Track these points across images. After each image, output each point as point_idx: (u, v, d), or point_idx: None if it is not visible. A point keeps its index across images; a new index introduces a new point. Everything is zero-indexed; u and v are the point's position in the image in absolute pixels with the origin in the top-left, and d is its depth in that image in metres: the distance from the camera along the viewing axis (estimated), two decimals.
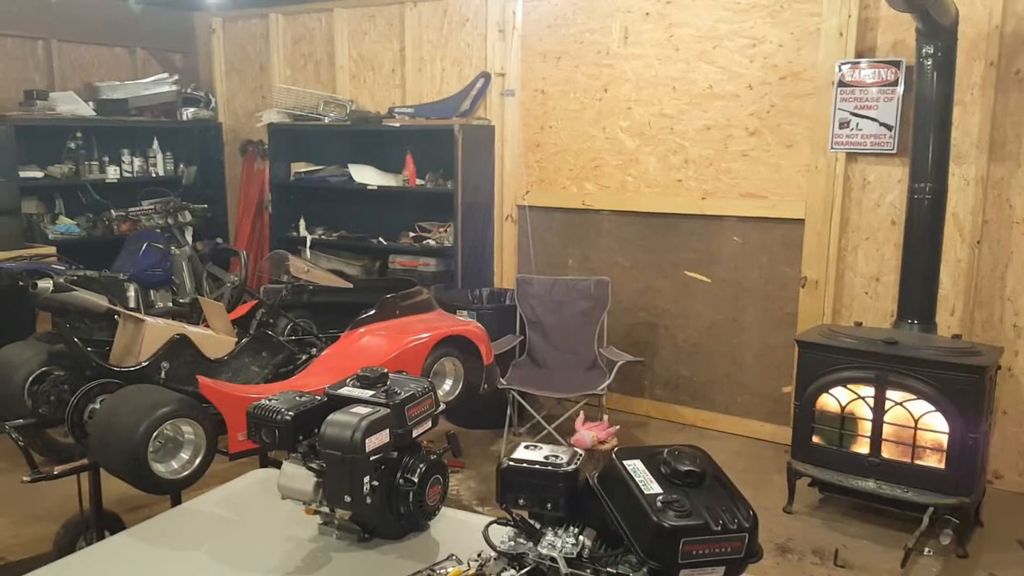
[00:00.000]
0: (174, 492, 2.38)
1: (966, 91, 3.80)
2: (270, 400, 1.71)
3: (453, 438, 1.89)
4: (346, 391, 1.77)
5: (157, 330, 2.67)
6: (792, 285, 4.40)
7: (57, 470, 2.50)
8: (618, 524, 1.29)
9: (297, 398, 1.73)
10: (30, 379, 2.60)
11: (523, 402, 4.25)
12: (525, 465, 1.39)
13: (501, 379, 4.04)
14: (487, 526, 1.40)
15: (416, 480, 1.73)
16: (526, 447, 1.45)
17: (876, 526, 3.55)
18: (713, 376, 4.74)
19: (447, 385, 3.20)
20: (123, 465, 2.30)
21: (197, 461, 2.40)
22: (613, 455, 1.35)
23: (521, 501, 1.38)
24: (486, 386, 3.30)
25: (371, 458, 1.63)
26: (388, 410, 1.69)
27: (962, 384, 3.26)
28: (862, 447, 3.53)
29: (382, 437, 1.66)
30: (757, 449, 4.42)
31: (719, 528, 1.21)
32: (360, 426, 1.62)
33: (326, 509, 1.70)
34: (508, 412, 4.27)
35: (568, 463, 1.39)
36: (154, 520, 1.84)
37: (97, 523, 2.66)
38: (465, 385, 3.17)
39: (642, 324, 4.87)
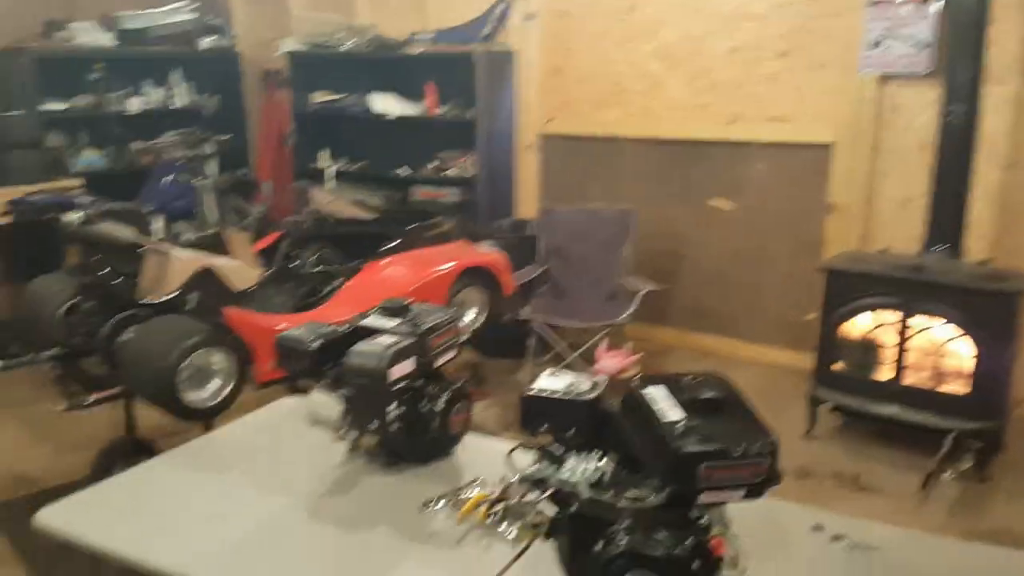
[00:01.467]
0: (205, 420, 2.45)
1: (1003, 8, 3.65)
2: (296, 330, 1.74)
3: (477, 367, 1.91)
4: (370, 321, 1.79)
5: (183, 262, 2.70)
6: (818, 211, 4.34)
7: (92, 399, 2.58)
8: (639, 450, 1.31)
9: (322, 328, 1.76)
10: (62, 310, 2.65)
11: (545, 332, 4.28)
12: (547, 394, 1.41)
13: (524, 309, 4.06)
14: (511, 451, 1.43)
15: (440, 408, 1.76)
16: (549, 375, 1.47)
17: (897, 451, 3.57)
18: (736, 304, 4.73)
19: (470, 315, 3.23)
20: (155, 393, 2.36)
21: (227, 390, 2.46)
22: (635, 382, 1.36)
23: (543, 428, 1.41)
24: (508, 316, 3.32)
25: (395, 387, 1.66)
26: (412, 340, 1.71)
27: (990, 309, 3.24)
28: (885, 373, 3.53)
29: (406, 366, 1.69)
30: (779, 377, 4.44)
31: (739, 453, 1.23)
32: (384, 356, 1.64)
33: (353, 435, 1.74)
34: (530, 342, 4.30)
35: (589, 391, 1.42)
36: (187, 446, 1.90)
37: (132, 449, 2.75)
38: (488, 315, 3.19)
39: (665, 253, 4.85)
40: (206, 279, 2.75)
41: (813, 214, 4.35)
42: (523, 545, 1.45)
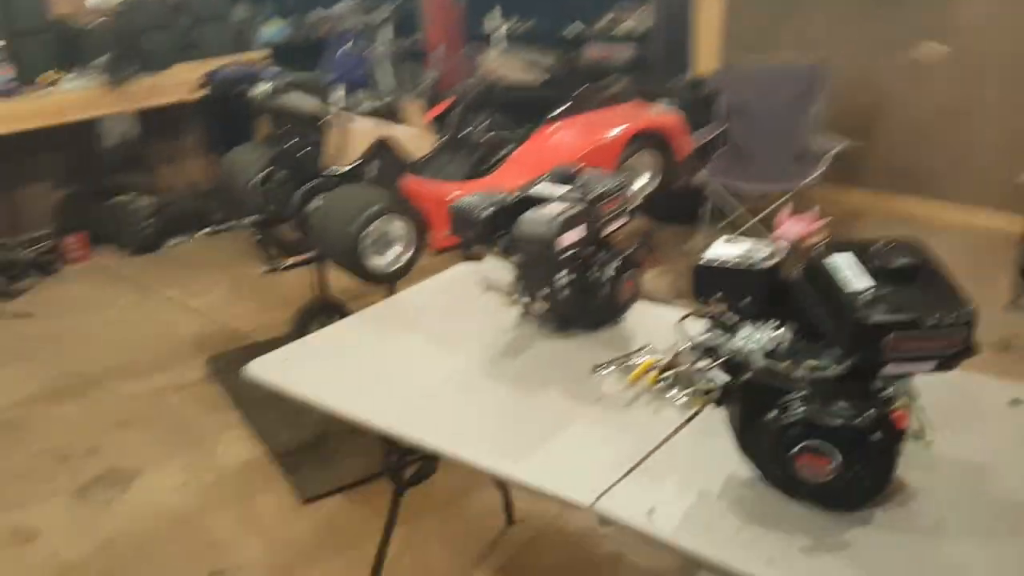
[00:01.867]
0: (388, 283, 2.58)
1: None
2: (468, 199, 1.77)
3: (648, 235, 1.87)
4: (539, 189, 1.78)
5: (362, 132, 2.78)
6: None
7: (287, 263, 2.78)
8: (821, 321, 1.25)
9: (493, 197, 1.77)
10: (257, 180, 2.83)
11: (722, 197, 4.11)
12: (720, 263, 1.36)
13: (700, 172, 3.91)
14: (682, 318, 1.40)
15: (609, 275, 1.75)
16: (725, 241, 1.41)
17: None
18: (942, 162, 4.30)
19: (643, 180, 3.14)
20: (342, 258, 2.51)
21: (406, 256, 2.57)
22: (819, 249, 1.29)
23: (717, 296, 1.37)
24: (683, 180, 3.21)
25: (564, 254, 1.67)
26: (581, 207, 1.70)
27: None
28: None
29: (575, 234, 1.68)
30: (985, 242, 4.05)
31: (931, 324, 1.14)
32: (553, 224, 1.64)
33: (525, 301, 1.78)
34: (706, 207, 4.15)
35: (767, 259, 1.35)
36: (374, 308, 2.02)
37: (324, 310, 2.97)
38: (661, 180, 3.10)
39: (862, 107, 4.45)
40: (384, 148, 2.83)
41: None
42: (692, 411, 1.45)
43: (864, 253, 1.25)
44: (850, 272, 1.23)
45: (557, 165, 1.84)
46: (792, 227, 3.75)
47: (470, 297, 1.99)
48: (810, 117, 4.19)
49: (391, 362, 1.76)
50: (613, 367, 1.63)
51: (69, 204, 4.59)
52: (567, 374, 1.67)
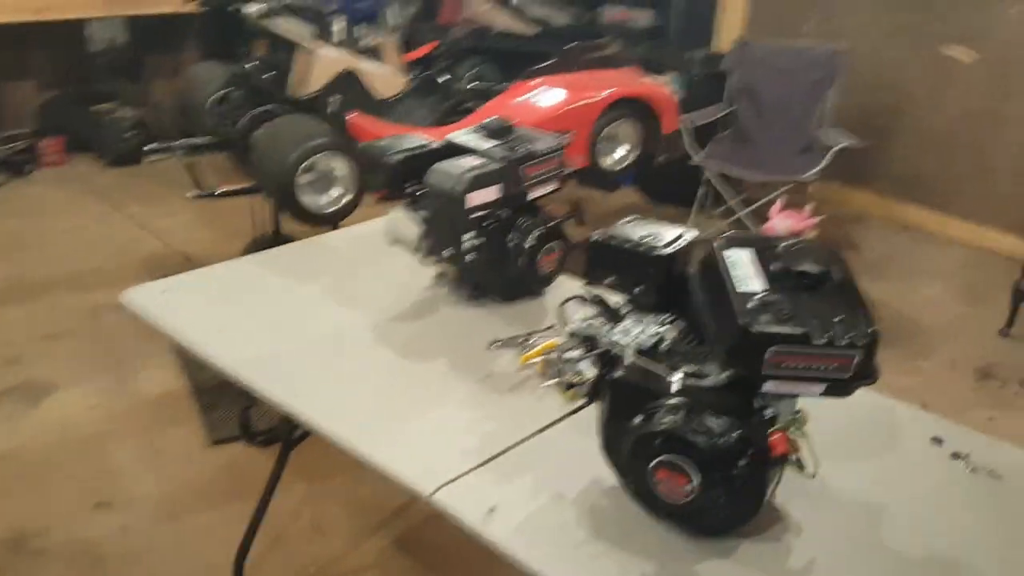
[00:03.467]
0: (323, 225, 2.44)
1: None
2: (383, 141, 1.62)
3: (579, 205, 1.71)
4: (463, 139, 1.63)
5: (328, 62, 2.62)
6: None
7: (221, 190, 2.64)
8: (707, 320, 1.10)
9: (411, 141, 1.62)
10: (214, 99, 2.68)
11: (719, 181, 3.91)
12: (615, 243, 1.20)
13: (699, 152, 3.71)
14: (564, 302, 1.25)
15: (529, 244, 1.60)
16: (629, 221, 1.25)
17: None
18: (957, 173, 4.08)
19: (620, 151, 2.96)
20: (275, 191, 2.37)
21: (348, 197, 2.42)
22: (718, 240, 1.13)
23: (609, 281, 1.22)
24: (663, 157, 3.02)
25: (474, 214, 1.52)
26: (500, 165, 1.54)
27: None
28: None
29: (488, 193, 1.53)
30: (989, 263, 3.85)
31: (824, 341, 0.98)
32: (463, 178, 1.49)
33: (429, 260, 1.63)
34: (701, 191, 3.96)
35: (668, 245, 1.19)
36: (280, 250, 1.89)
37: (273, 244, 2.83)
38: (640, 154, 2.91)
39: (880, 106, 4.22)
40: (349, 82, 2.67)
41: None
42: (577, 405, 1.31)
43: (767, 251, 1.09)
44: (747, 271, 1.07)
45: (491, 117, 1.67)
46: (783, 221, 3.58)
47: (390, 251, 1.84)
48: (823, 107, 3.97)
49: (278, 310, 1.63)
50: (511, 346, 1.49)
51: (51, 106, 4.47)
52: (461, 346, 1.53)
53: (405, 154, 1.57)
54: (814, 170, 3.71)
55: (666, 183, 4.03)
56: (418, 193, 1.57)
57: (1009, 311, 3.24)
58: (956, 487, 1.24)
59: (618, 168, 2.91)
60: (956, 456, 1.28)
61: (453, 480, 1.17)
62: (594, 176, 2.83)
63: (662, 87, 3.07)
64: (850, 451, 1.27)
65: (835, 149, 3.71)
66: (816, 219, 3.70)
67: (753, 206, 3.86)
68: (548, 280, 1.69)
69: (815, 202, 3.80)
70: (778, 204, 3.71)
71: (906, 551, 1.11)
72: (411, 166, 1.57)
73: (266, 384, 1.38)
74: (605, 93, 2.84)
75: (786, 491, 1.12)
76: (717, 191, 3.95)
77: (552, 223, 1.64)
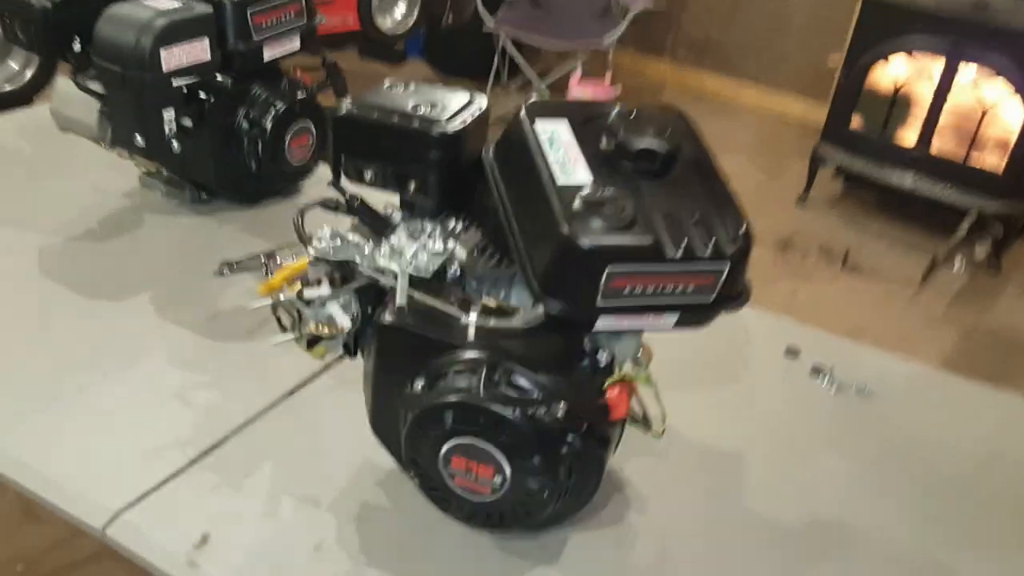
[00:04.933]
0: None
1: None
2: None
3: (333, 68, 1.28)
4: None
5: None
6: None
7: None
8: (509, 228, 0.74)
9: None
10: None
11: (513, 50, 3.53)
12: (376, 117, 0.80)
13: (489, 17, 3.30)
14: (300, 211, 0.84)
15: (268, 124, 1.16)
16: (391, 86, 0.85)
17: (901, 229, 3.05)
18: (750, 40, 3.95)
19: (399, 11, 2.50)
20: None
21: (29, 72, 1.82)
22: (523, 110, 0.75)
23: (368, 175, 0.82)
24: (447, 20, 2.58)
25: (175, 80, 1.05)
26: (211, 8, 1.07)
27: None
28: (909, 134, 2.92)
29: (195, 50, 1.06)
30: (784, 129, 3.80)
31: (679, 254, 0.66)
32: (152, 27, 1.01)
33: (116, 151, 1.16)
34: (495, 61, 3.57)
35: (452, 118, 0.80)
36: None
37: None
38: (419, 15, 2.46)
39: None
40: None
41: None
42: (330, 360, 0.92)
43: (589, 125, 0.73)
44: (567, 153, 0.71)
45: None
46: (581, 91, 3.31)
47: (72, 141, 1.33)
48: None
49: None
50: (248, 269, 1.07)
51: None
52: (174, 275, 1.10)
53: None
54: (612, 36, 3.43)
55: (458, 54, 3.61)
56: (90, 53, 1.07)
57: (807, 178, 3.19)
58: (822, 416, 0.99)
59: (399, 32, 2.44)
60: (817, 372, 1.03)
61: (142, 498, 0.77)
62: (374, 46, 2.39)
63: None
64: (694, 382, 1.00)
65: (632, 13, 3.44)
66: (616, 88, 3.46)
67: (549, 78, 3.54)
68: (300, 174, 1.27)
69: (611, 71, 3.56)
70: (577, 73, 3.43)
71: (776, 517, 0.85)
72: (74, 12, 1.06)
73: None
74: None
75: (624, 451, 0.81)
76: (512, 61, 3.58)
77: (301, 94, 1.21)
